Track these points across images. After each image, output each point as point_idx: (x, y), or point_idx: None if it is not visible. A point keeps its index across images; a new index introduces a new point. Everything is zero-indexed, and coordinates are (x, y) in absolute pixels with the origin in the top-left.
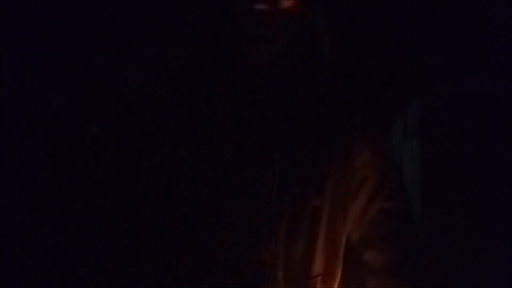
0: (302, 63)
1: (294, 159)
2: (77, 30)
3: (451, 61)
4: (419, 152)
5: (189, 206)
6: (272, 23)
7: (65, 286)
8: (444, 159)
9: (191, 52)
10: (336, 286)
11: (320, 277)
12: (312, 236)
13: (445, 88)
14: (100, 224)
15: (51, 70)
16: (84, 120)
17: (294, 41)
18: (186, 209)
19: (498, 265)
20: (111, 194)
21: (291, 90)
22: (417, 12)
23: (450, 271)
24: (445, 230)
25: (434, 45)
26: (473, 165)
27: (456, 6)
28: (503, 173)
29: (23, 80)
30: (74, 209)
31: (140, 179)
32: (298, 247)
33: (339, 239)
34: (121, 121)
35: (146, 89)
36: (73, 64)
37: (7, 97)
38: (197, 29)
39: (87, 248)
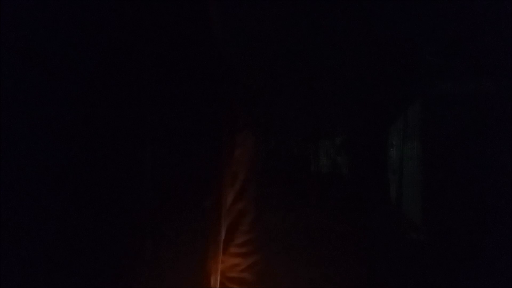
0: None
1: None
2: None
3: (451, 61)
4: (419, 152)
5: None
6: None
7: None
8: (444, 159)
9: None
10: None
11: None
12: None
13: (445, 88)
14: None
15: None
16: None
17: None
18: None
19: (498, 265)
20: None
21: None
22: (418, 12)
23: (450, 271)
24: (445, 230)
25: (434, 45)
26: (473, 165)
27: (456, 6)
28: (503, 173)
29: None
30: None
31: None
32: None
33: (220, 241)
34: None
35: None
36: None
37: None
38: None
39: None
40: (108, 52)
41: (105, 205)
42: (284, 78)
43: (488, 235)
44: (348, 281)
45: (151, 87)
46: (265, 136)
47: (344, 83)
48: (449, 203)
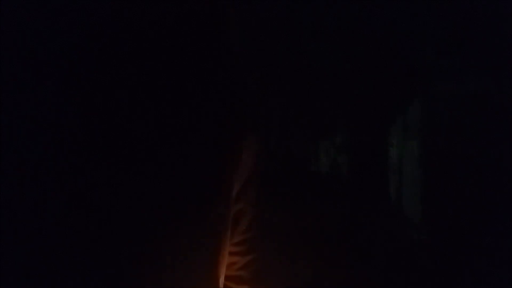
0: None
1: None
2: None
3: (451, 61)
4: (419, 152)
5: None
6: None
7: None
8: (444, 159)
9: None
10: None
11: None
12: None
13: (445, 88)
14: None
15: None
16: None
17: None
18: None
19: (498, 265)
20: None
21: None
22: (418, 11)
23: (450, 271)
24: (445, 230)
25: (434, 45)
26: (473, 165)
27: (456, 6)
28: (503, 173)
29: None
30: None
31: None
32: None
33: (228, 242)
34: None
35: None
36: None
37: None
38: None
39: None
40: (109, 53)
41: (109, 209)
42: (284, 78)
43: (488, 235)
44: (347, 281)
45: (157, 92)
46: (266, 137)
47: (344, 83)
48: (449, 203)
